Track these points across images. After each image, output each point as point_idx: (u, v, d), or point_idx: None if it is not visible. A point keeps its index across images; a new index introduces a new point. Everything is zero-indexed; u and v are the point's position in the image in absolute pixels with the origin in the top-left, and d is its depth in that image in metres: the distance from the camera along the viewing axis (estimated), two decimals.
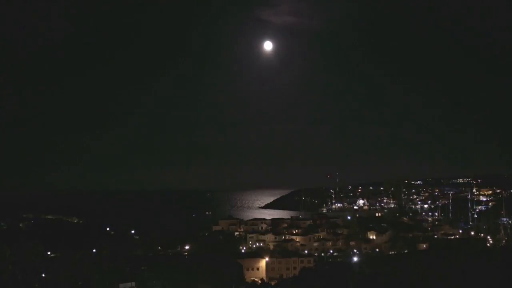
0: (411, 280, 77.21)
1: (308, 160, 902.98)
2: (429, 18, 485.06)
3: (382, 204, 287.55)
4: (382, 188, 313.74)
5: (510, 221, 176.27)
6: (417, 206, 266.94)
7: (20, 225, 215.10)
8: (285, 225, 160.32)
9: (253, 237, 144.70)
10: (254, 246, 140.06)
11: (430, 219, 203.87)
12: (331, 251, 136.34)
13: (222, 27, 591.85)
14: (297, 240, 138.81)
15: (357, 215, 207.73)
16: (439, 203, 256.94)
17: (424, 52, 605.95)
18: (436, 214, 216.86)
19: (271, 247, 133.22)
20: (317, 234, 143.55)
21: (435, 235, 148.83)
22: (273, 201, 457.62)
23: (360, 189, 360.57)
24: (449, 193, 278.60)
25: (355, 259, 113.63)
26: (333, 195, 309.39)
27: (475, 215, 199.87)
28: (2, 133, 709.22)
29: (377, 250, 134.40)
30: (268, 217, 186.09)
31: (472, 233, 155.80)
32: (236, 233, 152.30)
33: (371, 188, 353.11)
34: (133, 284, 78.00)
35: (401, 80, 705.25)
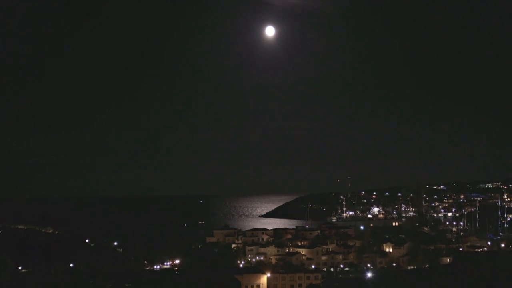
0: None
1: (315, 162, 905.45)
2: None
3: (400, 212, 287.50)
4: (399, 194, 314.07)
5: None
6: (440, 215, 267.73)
7: None
8: (289, 236, 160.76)
9: (253, 249, 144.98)
10: (254, 260, 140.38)
11: (454, 229, 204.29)
12: (341, 266, 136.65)
13: (220, 13, 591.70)
14: (302, 253, 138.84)
15: (371, 225, 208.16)
16: (464, 211, 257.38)
17: (447, 46, 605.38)
18: (461, 223, 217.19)
19: (273, 261, 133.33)
20: (325, 247, 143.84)
21: (460, 247, 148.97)
22: (276, 208, 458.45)
23: (374, 195, 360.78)
24: (476, 200, 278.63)
25: (369, 274, 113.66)
26: (343, 202, 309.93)
27: (505, 225, 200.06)
28: None
29: (394, 264, 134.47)
30: (269, 227, 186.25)
31: (503, 245, 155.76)
32: (234, 245, 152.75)
33: (387, 194, 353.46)
34: None
35: (421, 74, 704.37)
